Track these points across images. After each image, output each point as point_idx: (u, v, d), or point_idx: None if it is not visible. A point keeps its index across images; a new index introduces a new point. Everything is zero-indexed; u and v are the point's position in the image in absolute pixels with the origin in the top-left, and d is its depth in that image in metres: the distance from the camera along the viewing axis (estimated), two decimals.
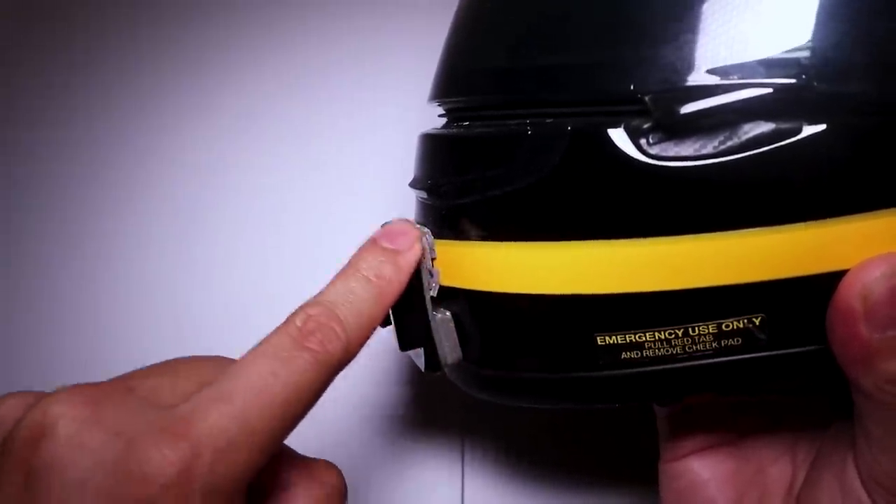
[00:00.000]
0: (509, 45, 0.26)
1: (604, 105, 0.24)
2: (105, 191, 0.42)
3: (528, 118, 0.25)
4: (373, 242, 0.27)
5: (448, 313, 0.28)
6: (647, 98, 0.23)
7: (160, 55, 0.42)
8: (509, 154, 0.25)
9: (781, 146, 0.22)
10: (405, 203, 0.31)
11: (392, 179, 0.33)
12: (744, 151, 0.22)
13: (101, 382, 0.23)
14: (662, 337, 0.24)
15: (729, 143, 0.22)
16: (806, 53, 0.22)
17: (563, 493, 0.39)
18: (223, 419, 0.21)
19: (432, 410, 0.40)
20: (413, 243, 0.27)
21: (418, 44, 0.35)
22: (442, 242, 0.28)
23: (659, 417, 0.31)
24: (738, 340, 0.24)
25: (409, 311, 0.28)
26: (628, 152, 0.23)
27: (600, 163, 0.23)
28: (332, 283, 0.26)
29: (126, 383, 0.23)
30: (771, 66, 0.22)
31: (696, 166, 0.22)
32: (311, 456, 0.27)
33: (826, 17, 0.22)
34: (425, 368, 0.29)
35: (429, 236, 0.28)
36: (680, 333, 0.24)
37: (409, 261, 0.27)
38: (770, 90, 0.22)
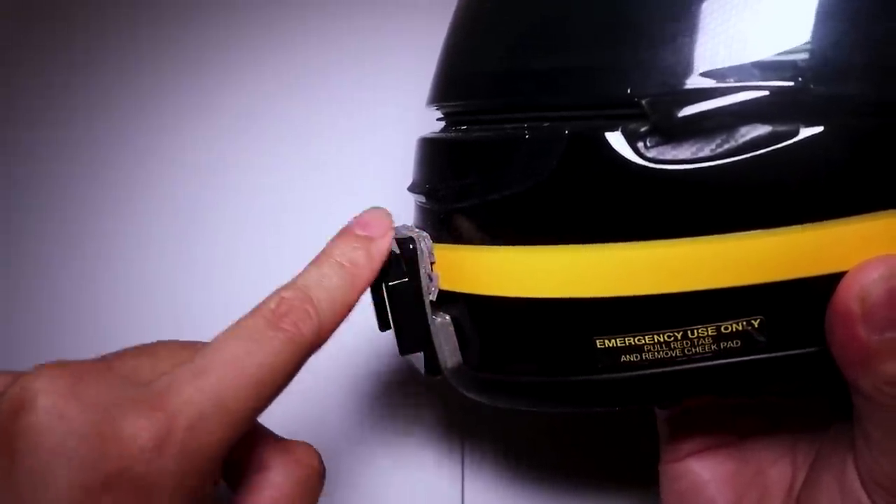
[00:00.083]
0: (506, 48, 0.26)
1: (601, 108, 0.24)
2: (105, 191, 0.42)
3: (525, 122, 0.25)
4: (347, 230, 0.28)
5: (447, 317, 0.28)
6: (644, 101, 0.22)
7: (160, 55, 0.42)
8: (507, 158, 0.25)
9: (779, 148, 0.22)
10: (405, 203, 0.31)
11: (392, 180, 0.33)
12: (741, 154, 0.22)
13: (82, 360, 0.23)
14: (661, 340, 0.24)
15: (726, 146, 0.22)
16: (803, 56, 0.22)
17: (563, 496, 0.39)
18: (198, 394, 0.22)
19: (433, 414, 0.40)
20: (386, 231, 0.28)
21: (418, 44, 0.34)
22: (441, 246, 0.28)
23: (659, 419, 0.31)
24: (737, 343, 0.24)
25: (409, 315, 0.28)
26: (626, 155, 0.23)
27: (598, 166, 0.23)
28: (307, 268, 0.27)
29: (106, 363, 0.24)
30: (767, 68, 0.22)
31: (693, 169, 0.22)
32: None
33: (823, 19, 0.22)
34: (425, 372, 0.29)
35: (427, 240, 0.28)
36: (679, 336, 0.24)
37: (380, 248, 0.27)
38: (767, 93, 0.22)
